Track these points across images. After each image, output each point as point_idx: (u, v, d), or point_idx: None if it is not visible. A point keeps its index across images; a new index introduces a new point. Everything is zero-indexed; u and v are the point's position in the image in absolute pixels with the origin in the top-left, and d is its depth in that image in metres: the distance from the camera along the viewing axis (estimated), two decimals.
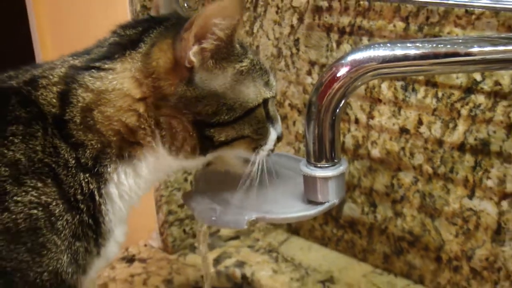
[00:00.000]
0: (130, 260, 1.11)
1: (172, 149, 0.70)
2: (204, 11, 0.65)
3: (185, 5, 1.00)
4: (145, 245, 1.16)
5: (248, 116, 0.71)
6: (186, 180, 1.09)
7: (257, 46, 1.09)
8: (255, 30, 1.09)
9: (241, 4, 0.66)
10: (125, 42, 0.70)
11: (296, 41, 1.04)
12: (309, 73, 1.04)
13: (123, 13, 1.01)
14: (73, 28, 1.20)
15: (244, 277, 1.07)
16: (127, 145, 0.69)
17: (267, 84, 0.73)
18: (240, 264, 1.08)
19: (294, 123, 1.09)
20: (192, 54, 0.66)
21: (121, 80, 0.67)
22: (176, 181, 1.08)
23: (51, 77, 0.68)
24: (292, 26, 1.04)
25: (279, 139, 0.76)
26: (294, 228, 1.16)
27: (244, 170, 0.75)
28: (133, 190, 0.71)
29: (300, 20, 1.02)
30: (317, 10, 0.99)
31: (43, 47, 1.29)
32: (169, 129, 0.69)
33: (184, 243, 1.14)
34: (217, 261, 1.09)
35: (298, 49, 1.04)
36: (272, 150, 0.76)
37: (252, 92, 0.71)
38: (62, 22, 1.23)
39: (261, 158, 0.74)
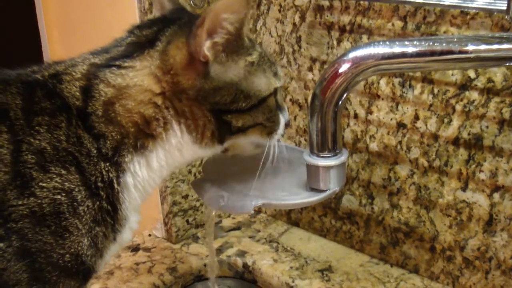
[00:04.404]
0: (135, 249, 1.13)
1: (197, 137, 0.73)
2: (213, 7, 0.68)
3: (191, 2, 1.03)
4: (150, 235, 1.17)
5: (261, 105, 0.74)
6: (190, 172, 1.11)
7: (260, 43, 1.11)
8: (258, 28, 1.11)
9: None
10: (142, 41, 0.73)
11: (298, 38, 1.06)
12: (310, 69, 1.06)
13: (131, 10, 1.02)
14: (80, 23, 1.21)
15: (245, 265, 1.09)
16: (141, 136, 0.71)
17: (275, 74, 0.76)
18: (242, 253, 1.11)
19: (295, 117, 1.11)
20: (206, 48, 0.69)
21: (141, 77, 0.70)
22: (181, 172, 1.10)
23: (74, 73, 0.70)
24: (294, 24, 1.06)
25: (287, 125, 0.80)
26: (294, 220, 1.19)
27: (257, 152, 0.78)
28: (146, 181, 0.73)
29: (302, 18, 1.04)
30: (319, 9, 1.01)
31: (50, 42, 1.29)
32: (192, 118, 0.72)
33: (188, 233, 1.16)
34: (219, 250, 1.11)
35: (300, 46, 1.06)
36: (282, 135, 0.80)
37: (264, 82, 0.74)
38: (70, 17, 1.24)
39: (274, 142, 0.78)
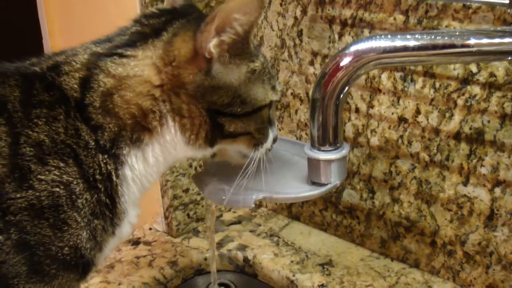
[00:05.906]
0: (135, 242, 1.13)
1: (190, 136, 0.73)
2: (226, 6, 0.67)
3: None
4: (150, 229, 1.17)
5: (255, 114, 0.74)
6: (190, 166, 1.11)
7: (261, 37, 1.11)
8: (259, 21, 1.10)
9: (261, 2, 0.68)
10: (148, 31, 0.72)
11: (299, 32, 1.05)
12: (311, 63, 1.06)
13: (133, 3, 1.02)
14: (81, 17, 1.20)
15: (246, 259, 1.09)
16: (138, 129, 0.71)
17: (274, 88, 0.76)
18: (242, 247, 1.11)
19: (296, 111, 1.11)
20: (212, 46, 0.69)
21: (142, 67, 0.70)
22: (181, 166, 1.10)
23: (74, 63, 0.70)
24: (295, 18, 1.05)
25: (274, 140, 0.80)
26: (294, 214, 1.18)
27: (243, 162, 0.78)
28: (143, 175, 0.73)
29: (304, 12, 1.04)
30: (320, 2, 1.01)
31: (51, 36, 1.28)
32: (188, 115, 0.71)
33: (188, 227, 1.15)
34: (220, 244, 1.12)
35: (301, 40, 1.06)
36: (269, 149, 0.80)
37: (261, 93, 0.74)
38: (71, 10, 1.23)
39: (258, 155, 0.77)
